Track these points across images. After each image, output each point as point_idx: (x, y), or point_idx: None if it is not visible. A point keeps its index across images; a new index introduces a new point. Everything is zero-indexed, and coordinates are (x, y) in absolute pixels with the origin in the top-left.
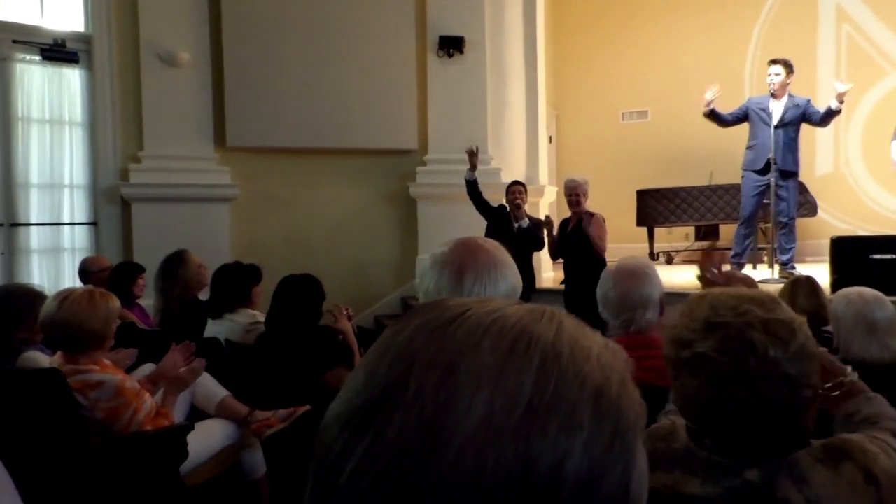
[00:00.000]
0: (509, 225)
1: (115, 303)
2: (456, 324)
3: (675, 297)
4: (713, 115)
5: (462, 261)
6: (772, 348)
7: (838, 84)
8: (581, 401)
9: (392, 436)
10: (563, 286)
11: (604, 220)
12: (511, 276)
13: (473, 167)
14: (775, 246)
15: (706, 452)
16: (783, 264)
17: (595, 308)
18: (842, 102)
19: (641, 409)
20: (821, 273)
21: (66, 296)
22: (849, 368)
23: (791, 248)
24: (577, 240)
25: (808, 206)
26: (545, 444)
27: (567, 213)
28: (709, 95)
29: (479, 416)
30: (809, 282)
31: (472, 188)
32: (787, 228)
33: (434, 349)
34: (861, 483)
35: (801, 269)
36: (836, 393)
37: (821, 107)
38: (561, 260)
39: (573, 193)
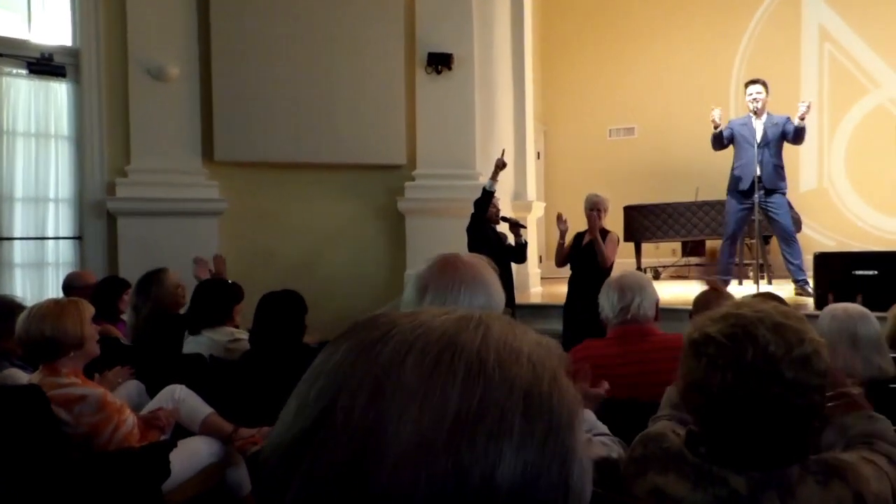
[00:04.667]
0: (497, 239)
1: (86, 307)
2: (381, 344)
3: (663, 312)
4: (718, 138)
5: (428, 280)
6: (773, 346)
7: (801, 106)
8: (510, 405)
9: (326, 464)
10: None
11: (618, 240)
12: (484, 294)
13: (495, 178)
14: (760, 262)
15: (698, 458)
16: (796, 281)
17: (594, 319)
18: (803, 119)
19: (576, 403)
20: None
21: (33, 308)
22: (848, 382)
23: (798, 263)
24: (592, 254)
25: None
26: (475, 454)
27: (580, 227)
28: (715, 116)
29: (408, 435)
30: (774, 297)
31: (489, 199)
32: (788, 244)
33: (360, 373)
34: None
35: (785, 286)
36: (836, 403)
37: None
38: (561, 269)
39: (595, 209)
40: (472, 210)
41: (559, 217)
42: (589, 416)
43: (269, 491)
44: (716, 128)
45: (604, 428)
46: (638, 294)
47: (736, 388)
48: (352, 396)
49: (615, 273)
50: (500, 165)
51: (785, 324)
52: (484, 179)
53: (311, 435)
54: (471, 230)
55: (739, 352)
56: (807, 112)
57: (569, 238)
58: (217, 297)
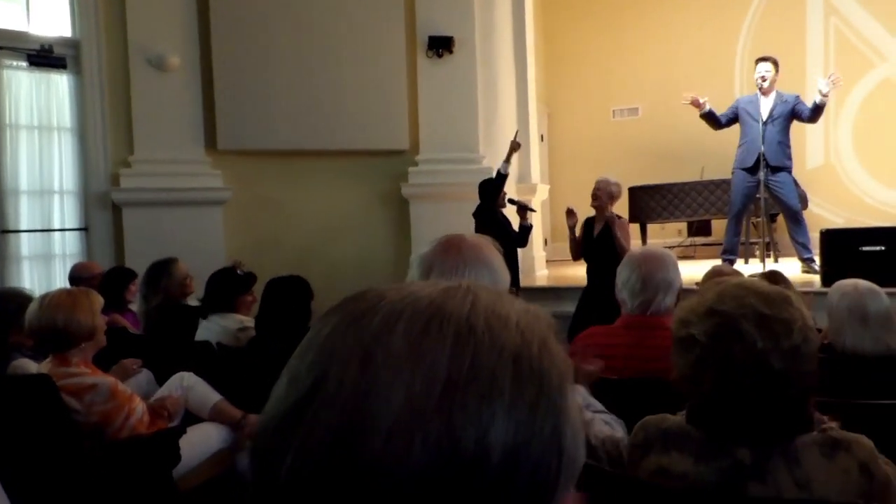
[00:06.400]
0: (506, 223)
1: (97, 297)
2: (370, 315)
3: None
4: (709, 117)
5: (432, 260)
6: (760, 341)
7: (821, 82)
8: (500, 368)
9: (320, 434)
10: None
11: (628, 224)
12: (489, 274)
13: (509, 160)
14: (767, 240)
15: (700, 433)
16: (803, 259)
17: (605, 301)
18: (825, 96)
19: (567, 367)
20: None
21: (45, 296)
22: (826, 419)
23: (804, 241)
24: (604, 244)
25: (799, 200)
26: (468, 417)
27: (587, 208)
28: (702, 99)
29: (400, 400)
30: (774, 274)
31: (502, 182)
32: (794, 222)
33: (350, 343)
34: (855, 473)
35: (792, 264)
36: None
37: (808, 101)
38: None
39: (604, 194)
40: (476, 194)
41: (569, 211)
42: (583, 392)
43: (265, 464)
44: (700, 108)
45: (600, 406)
46: (662, 292)
47: (727, 384)
48: (343, 366)
49: (639, 249)
50: (515, 147)
51: (770, 315)
52: (488, 163)
53: (304, 407)
54: (478, 214)
55: (725, 350)
56: (832, 87)
57: (578, 227)
58: (219, 284)
